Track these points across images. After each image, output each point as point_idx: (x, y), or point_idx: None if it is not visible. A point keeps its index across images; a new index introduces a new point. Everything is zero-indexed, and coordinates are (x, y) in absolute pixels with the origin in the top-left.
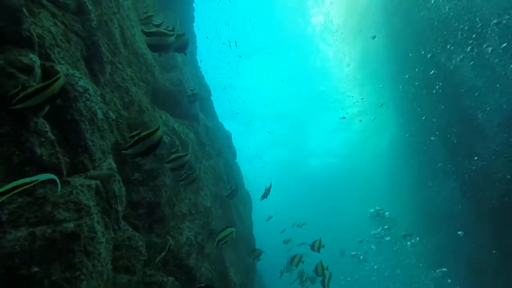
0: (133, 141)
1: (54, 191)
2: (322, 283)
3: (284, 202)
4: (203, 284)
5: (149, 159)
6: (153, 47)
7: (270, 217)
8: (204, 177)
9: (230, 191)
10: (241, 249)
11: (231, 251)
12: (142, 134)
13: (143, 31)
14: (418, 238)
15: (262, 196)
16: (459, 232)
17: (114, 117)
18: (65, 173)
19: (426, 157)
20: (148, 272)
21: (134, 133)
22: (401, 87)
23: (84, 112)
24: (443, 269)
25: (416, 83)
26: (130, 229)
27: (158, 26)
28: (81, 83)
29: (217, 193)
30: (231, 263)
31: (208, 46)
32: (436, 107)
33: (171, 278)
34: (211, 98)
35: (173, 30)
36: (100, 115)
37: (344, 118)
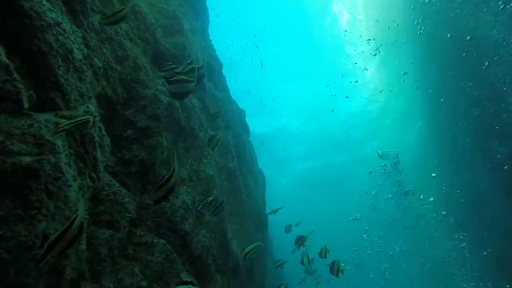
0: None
1: (10, 122)
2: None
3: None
4: (189, 279)
5: (143, 117)
6: (175, 94)
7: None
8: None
9: (215, 112)
10: (248, 225)
11: (236, 225)
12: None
13: (165, 78)
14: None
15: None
16: None
17: (100, 65)
18: (27, 106)
19: None
20: (138, 233)
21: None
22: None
23: (54, 46)
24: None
25: None
26: (117, 184)
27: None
28: (51, 15)
29: (224, 165)
30: (235, 235)
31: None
32: None
33: (162, 241)
34: (223, 72)
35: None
36: (78, 55)
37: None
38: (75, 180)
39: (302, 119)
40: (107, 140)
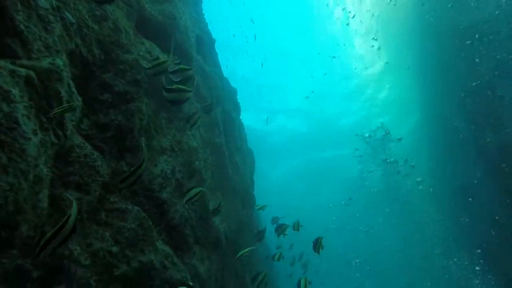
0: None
1: None
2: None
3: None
4: (165, 249)
5: (122, 81)
6: (172, 102)
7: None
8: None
9: (206, 105)
10: (234, 201)
11: (221, 200)
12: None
13: (163, 87)
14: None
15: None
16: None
17: (73, 21)
18: None
19: None
20: (112, 199)
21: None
22: None
23: None
24: None
25: None
26: (90, 147)
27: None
28: None
29: (209, 140)
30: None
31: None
32: None
33: (136, 208)
34: (215, 48)
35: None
36: (43, 4)
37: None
38: (35, 134)
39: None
40: (78, 100)
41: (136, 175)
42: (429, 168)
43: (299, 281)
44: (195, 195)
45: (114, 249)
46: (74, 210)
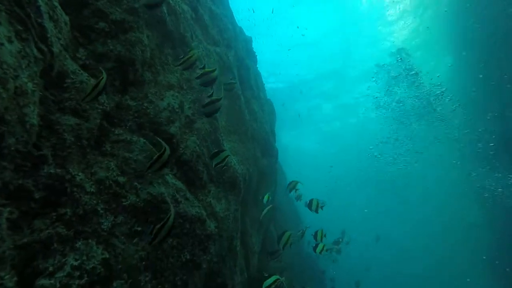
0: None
1: None
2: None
3: None
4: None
5: (118, 9)
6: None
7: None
8: (206, 60)
9: (229, 83)
10: (252, 147)
11: (236, 143)
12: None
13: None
14: None
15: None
16: None
17: None
18: None
19: None
20: (117, 131)
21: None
22: None
23: None
24: None
25: None
26: (86, 74)
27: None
28: None
29: (222, 82)
30: (235, 152)
31: None
32: None
33: (142, 140)
34: None
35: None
36: None
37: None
38: (10, 42)
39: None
40: (63, 17)
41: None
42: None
43: (316, 232)
44: (223, 159)
45: (121, 179)
46: None
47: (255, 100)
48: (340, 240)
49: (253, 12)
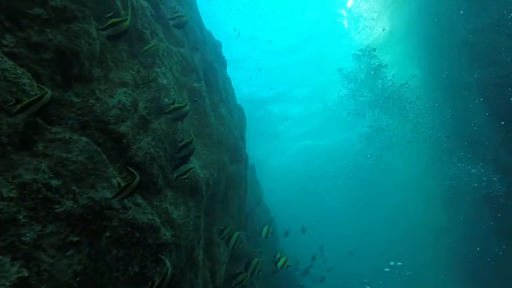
0: None
1: None
2: None
3: None
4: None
5: None
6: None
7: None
8: (168, 59)
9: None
10: (218, 152)
11: (199, 147)
12: None
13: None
14: None
15: None
16: None
17: None
18: None
19: None
20: (54, 130)
21: None
22: None
23: None
24: None
25: None
26: (12, 63)
27: None
28: None
29: (186, 83)
30: (198, 156)
31: None
32: None
33: (85, 139)
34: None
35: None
36: None
37: None
38: None
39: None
40: None
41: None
42: None
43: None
44: (187, 171)
45: (54, 182)
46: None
47: (223, 104)
48: (317, 256)
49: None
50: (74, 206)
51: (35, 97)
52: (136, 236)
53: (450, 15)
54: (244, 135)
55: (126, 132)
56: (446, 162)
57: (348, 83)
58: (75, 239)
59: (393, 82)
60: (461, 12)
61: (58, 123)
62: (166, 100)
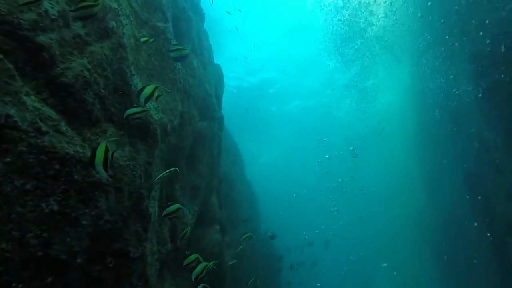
0: None
1: None
2: None
3: None
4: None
5: None
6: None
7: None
8: None
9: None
10: (184, 101)
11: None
12: None
13: None
14: None
15: None
16: None
17: None
18: None
19: None
20: None
21: None
22: None
23: None
24: None
25: None
26: None
27: None
28: None
29: (146, 20)
30: (158, 101)
31: None
32: None
33: None
34: None
35: None
36: None
37: None
38: None
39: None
40: None
41: None
42: None
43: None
44: (174, 211)
45: None
46: None
47: (195, 55)
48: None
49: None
50: None
51: None
52: (55, 169)
53: None
54: (220, 95)
55: (48, 44)
56: None
57: None
58: None
59: None
60: None
61: None
62: (113, 23)
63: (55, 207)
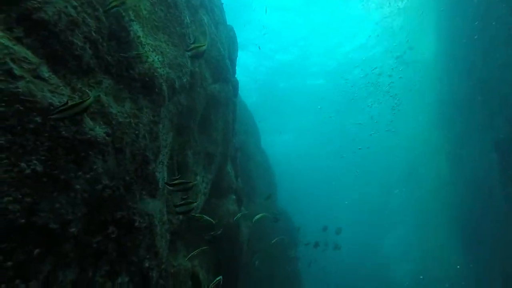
0: None
1: None
2: None
3: None
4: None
5: None
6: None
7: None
8: None
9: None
10: (200, 65)
11: (163, 43)
12: None
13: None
14: None
15: None
16: None
17: None
18: None
19: None
20: None
21: None
22: None
23: None
24: None
25: None
26: None
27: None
28: None
29: None
30: (158, 50)
31: None
32: None
33: None
34: None
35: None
36: None
37: None
38: None
39: None
40: None
41: None
42: None
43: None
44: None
45: None
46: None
47: (206, 11)
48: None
49: None
50: None
51: None
52: (36, 122)
53: None
54: (234, 59)
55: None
56: None
57: None
58: None
59: None
60: None
61: None
62: None
63: (39, 168)
